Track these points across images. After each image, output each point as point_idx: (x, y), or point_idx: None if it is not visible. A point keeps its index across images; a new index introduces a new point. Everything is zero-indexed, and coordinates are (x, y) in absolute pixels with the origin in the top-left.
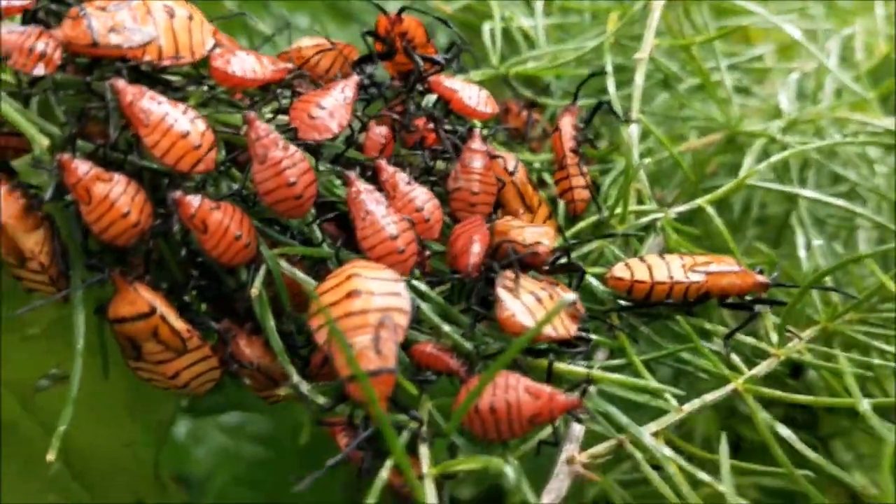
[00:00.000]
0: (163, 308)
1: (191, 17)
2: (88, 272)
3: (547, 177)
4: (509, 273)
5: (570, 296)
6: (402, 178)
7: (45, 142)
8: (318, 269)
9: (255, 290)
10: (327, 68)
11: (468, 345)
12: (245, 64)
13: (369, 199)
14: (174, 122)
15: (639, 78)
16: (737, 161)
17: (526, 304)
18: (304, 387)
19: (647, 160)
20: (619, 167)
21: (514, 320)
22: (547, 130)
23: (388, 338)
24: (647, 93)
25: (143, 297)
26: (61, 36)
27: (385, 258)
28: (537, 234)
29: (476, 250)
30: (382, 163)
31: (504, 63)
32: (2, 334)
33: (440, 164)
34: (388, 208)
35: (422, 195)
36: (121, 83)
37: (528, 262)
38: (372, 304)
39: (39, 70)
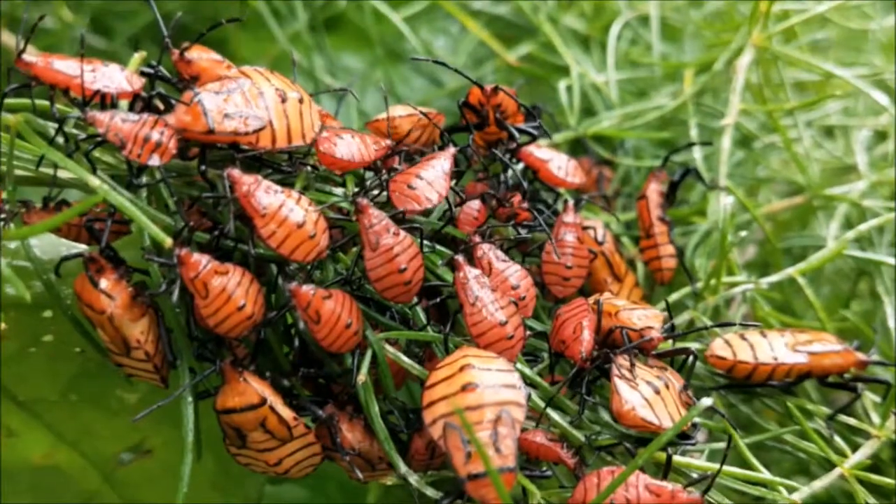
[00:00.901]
0: (272, 398)
1: (301, 100)
2: (197, 362)
3: (625, 239)
4: (624, 361)
5: (681, 383)
6: (497, 255)
7: (169, 241)
8: (421, 351)
9: (361, 377)
10: (418, 137)
11: (579, 435)
12: (351, 147)
13: (477, 285)
14: (290, 211)
15: (725, 143)
16: (802, 215)
17: (644, 395)
18: (413, 478)
19: (744, 233)
20: (700, 230)
21: (635, 414)
22: (618, 190)
23: (507, 434)
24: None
25: (252, 388)
26: (175, 123)
27: (495, 345)
28: (647, 318)
29: (587, 337)
30: (478, 239)
31: (581, 124)
32: (86, 409)
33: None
34: (495, 292)
35: (517, 272)
36: (236, 172)
37: (640, 348)
38: (488, 399)
39: (154, 160)
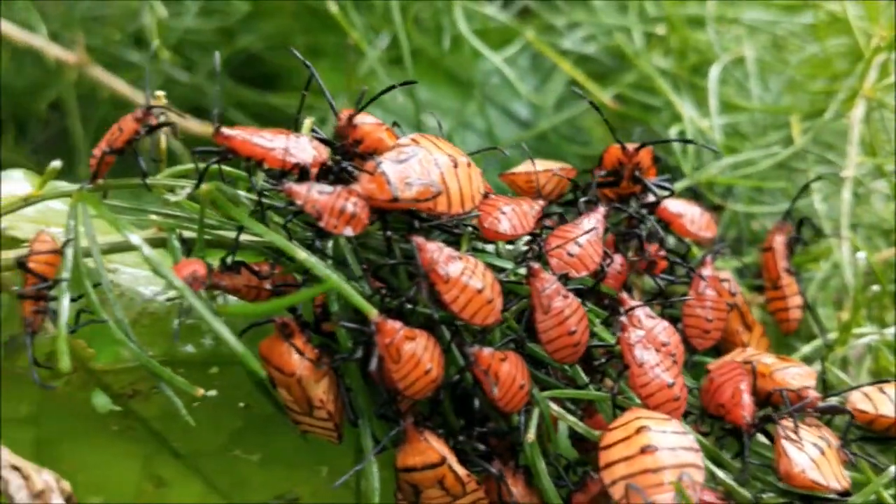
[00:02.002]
0: (449, 456)
1: (469, 164)
2: (379, 421)
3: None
4: (788, 422)
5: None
6: (644, 311)
7: (375, 312)
8: (577, 408)
9: (531, 436)
10: (550, 191)
11: (747, 493)
12: (513, 220)
13: (642, 346)
14: (470, 277)
15: (846, 195)
16: None
17: (811, 456)
18: None
19: (876, 287)
20: (817, 278)
21: (805, 476)
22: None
23: (690, 496)
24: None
25: (433, 448)
26: (361, 192)
27: (663, 406)
28: (802, 377)
29: (748, 401)
30: (626, 297)
31: (694, 172)
32: (242, 461)
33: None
34: (659, 353)
35: (665, 329)
36: (421, 239)
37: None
38: (668, 462)
39: (348, 231)
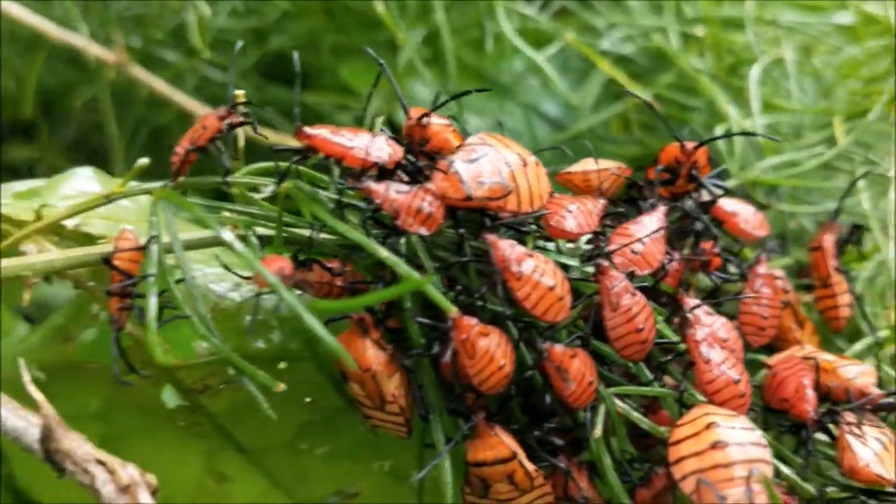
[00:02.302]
0: (519, 452)
1: (537, 164)
2: (449, 416)
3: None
4: (850, 417)
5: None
6: (703, 308)
7: (454, 309)
8: (646, 405)
9: (598, 431)
10: (606, 190)
11: (811, 488)
12: (578, 219)
13: (708, 343)
14: (542, 275)
15: (892, 194)
16: None
17: (874, 450)
18: None
19: None
20: (863, 276)
21: (869, 471)
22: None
23: (760, 491)
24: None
25: (504, 443)
26: (436, 190)
27: (729, 402)
28: (864, 374)
29: (811, 396)
30: (684, 296)
31: (741, 171)
32: (306, 455)
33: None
34: (724, 351)
35: (724, 325)
36: (494, 237)
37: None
38: (738, 457)
39: (423, 230)
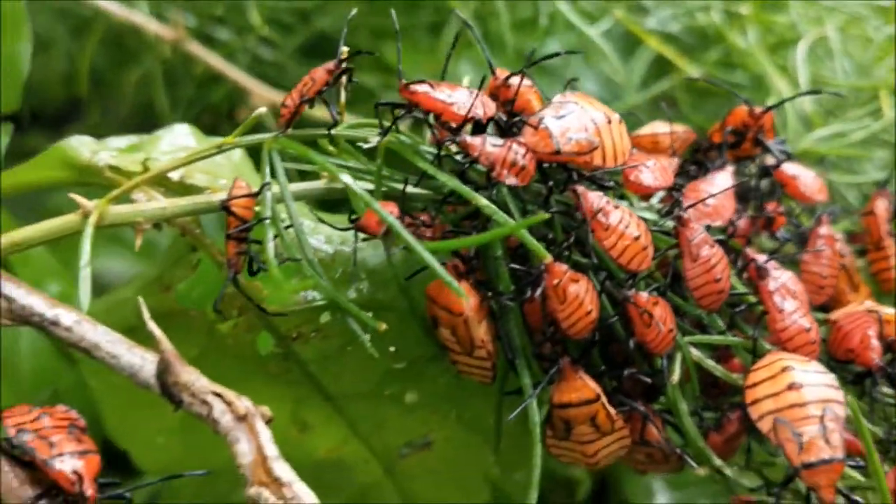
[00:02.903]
0: (602, 394)
1: (620, 121)
2: (536, 361)
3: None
4: None
5: None
6: (772, 264)
7: (548, 256)
8: (721, 355)
9: (675, 377)
10: (673, 153)
11: (878, 430)
12: (655, 174)
13: (781, 293)
14: (627, 225)
15: None
16: None
17: None
18: (728, 469)
19: None
20: None
21: None
22: None
23: (834, 428)
24: None
25: (588, 385)
26: (527, 145)
27: (801, 349)
28: None
29: (877, 344)
30: (750, 252)
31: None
32: (385, 404)
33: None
34: (796, 300)
35: (791, 278)
36: (583, 188)
37: None
38: (813, 397)
39: (513, 181)
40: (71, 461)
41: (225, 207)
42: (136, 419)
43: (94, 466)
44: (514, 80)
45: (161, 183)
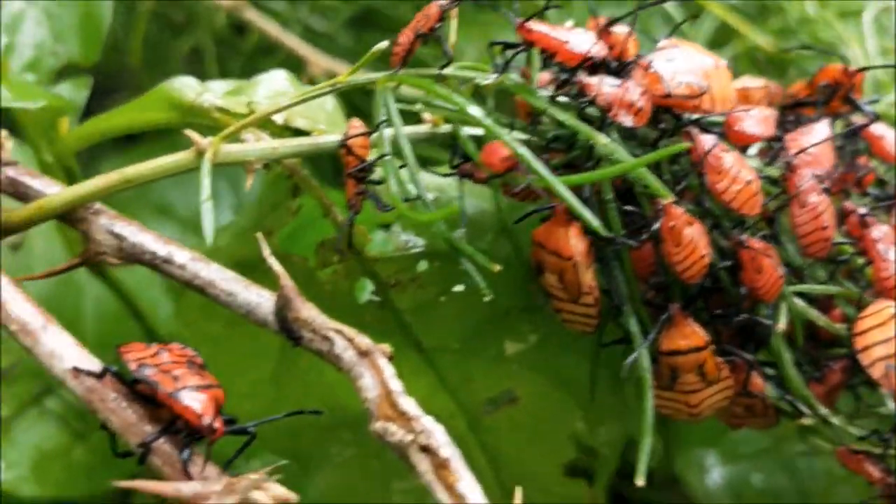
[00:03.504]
0: (710, 342)
1: (726, 67)
2: (643, 307)
3: None
4: None
5: None
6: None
7: (670, 195)
8: (823, 305)
9: (781, 325)
10: (769, 104)
11: None
12: (759, 123)
13: (885, 243)
14: (739, 170)
15: None
16: None
17: None
18: (835, 419)
19: None
20: None
21: None
22: None
23: None
24: None
25: (698, 332)
26: (641, 86)
27: None
28: None
29: None
30: (849, 203)
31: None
32: (473, 357)
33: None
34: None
35: (890, 230)
36: (696, 130)
37: None
38: None
39: (629, 122)
40: (196, 394)
41: (344, 146)
42: (229, 370)
43: (218, 400)
44: (616, 27)
45: (264, 125)
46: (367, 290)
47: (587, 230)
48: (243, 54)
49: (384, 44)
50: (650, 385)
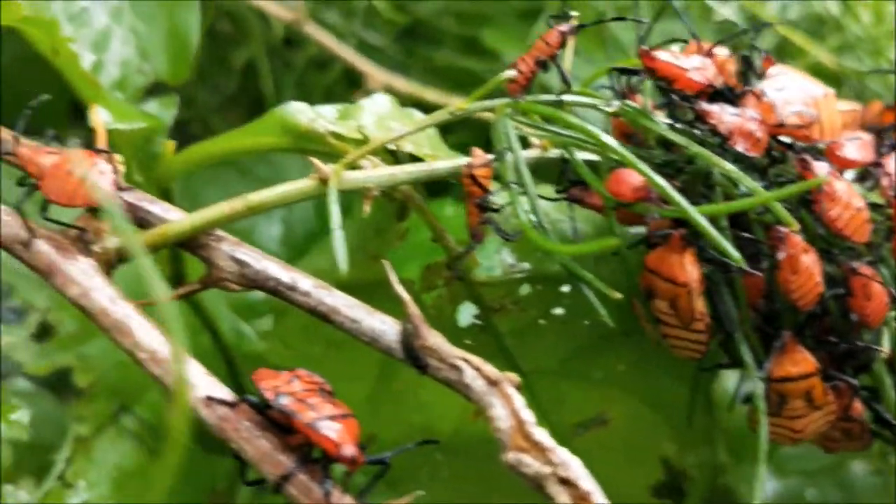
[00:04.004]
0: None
1: (834, 96)
2: (753, 333)
3: None
4: None
5: None
6: None
7: (794, 223)
8: None
9: (886, 350)
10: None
11: None
12: (860, 150)
13: None
14: (851, 197)
15: None
16: None
17: None
18: None
19: None
20: None
21: None
22: None
23: None
24: None
25: (808, 358)
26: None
27: None
28: None
29: None
30: None
31: None
32: (564, 379)
33: None
34: None
35: None
36: (809, 157)
37: None
38: None
39: (752, 152)
40: (334, 424)
41: (471, 175)
42: None
43: (355, 430)
44: (718, 51)
45: (373, 150)
46: (469, 314)
47: (702, 257)
48: (296, 68)
49: (510, 73)
50: (764, 412)
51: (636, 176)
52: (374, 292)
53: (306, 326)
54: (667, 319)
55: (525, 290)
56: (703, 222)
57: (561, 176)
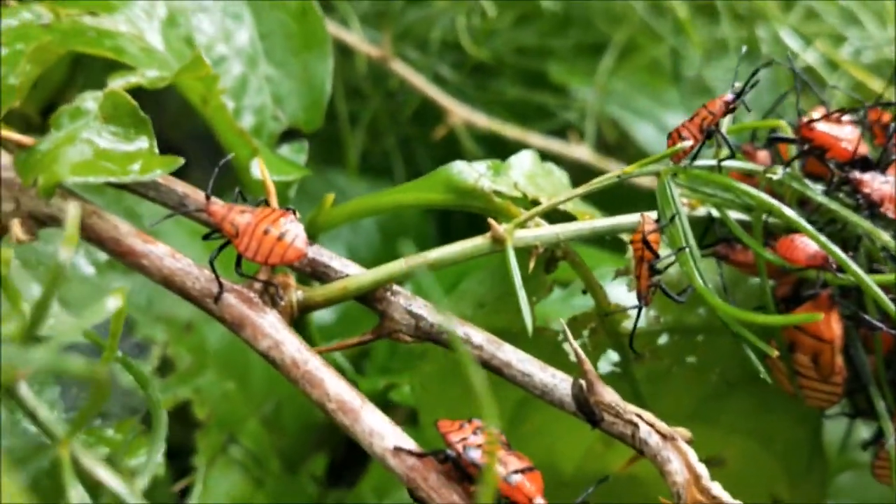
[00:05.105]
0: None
1: None
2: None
3: None
4: None
5: None
6: None
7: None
8: None
9: None
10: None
11: None
12: None
13: None
14: None
15: None
16: None
17: None
18: None
19: None
20: None
21: None
22: None
23: None
24: None
25: None
26: None
27: None
28: None
29: None
30: None
31: None
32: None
33: None
34: None
35: None
36: (868, 176)
37: None
38: None
39: (893, 214)
40: (524, 478)
41: (644, 240)
42: None
43: (540, 482)
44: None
45: (518, 203)
46: (608, 361)
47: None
48: (373, 101)
49: (685, 143)
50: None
51: (810, 243)
52: (515, 341)
53: (443, 370)
54: (806, 372)
55: (663, 339)
56: (878, 291)
57: (705, 233)
